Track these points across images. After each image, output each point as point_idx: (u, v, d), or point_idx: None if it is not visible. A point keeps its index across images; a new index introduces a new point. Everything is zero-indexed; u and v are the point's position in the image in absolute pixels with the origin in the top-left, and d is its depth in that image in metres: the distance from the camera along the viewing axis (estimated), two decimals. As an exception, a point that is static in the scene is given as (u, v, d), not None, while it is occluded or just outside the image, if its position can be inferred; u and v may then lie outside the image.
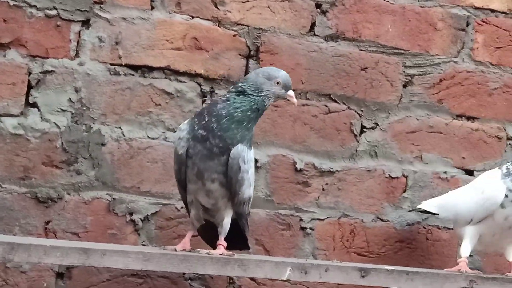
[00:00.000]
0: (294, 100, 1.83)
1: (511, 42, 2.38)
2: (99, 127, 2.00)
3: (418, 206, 2.17)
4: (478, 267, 2.28)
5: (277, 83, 1.81)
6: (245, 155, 1.76)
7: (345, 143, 2.21)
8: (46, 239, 1.69)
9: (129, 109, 2.03)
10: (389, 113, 2.26)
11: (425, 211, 2.15)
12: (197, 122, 1.77)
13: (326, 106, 2.20)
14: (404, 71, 2.28)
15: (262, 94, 1.79)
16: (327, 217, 2.18)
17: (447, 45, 2.32)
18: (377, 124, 2.25)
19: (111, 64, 2.02)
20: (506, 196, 1.94)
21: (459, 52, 2.33)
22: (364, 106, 2.24)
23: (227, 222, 1.79)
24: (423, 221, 2.26)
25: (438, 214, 2.11)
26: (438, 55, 2.31)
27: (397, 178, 2.25)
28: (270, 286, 2.09)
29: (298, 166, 2.16)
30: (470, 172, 2.33)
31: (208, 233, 1.88)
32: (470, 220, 2.00)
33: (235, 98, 1.78)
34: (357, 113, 2.23)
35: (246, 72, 2.13)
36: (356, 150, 2.22)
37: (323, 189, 2.18)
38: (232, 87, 1.84)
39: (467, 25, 2.34)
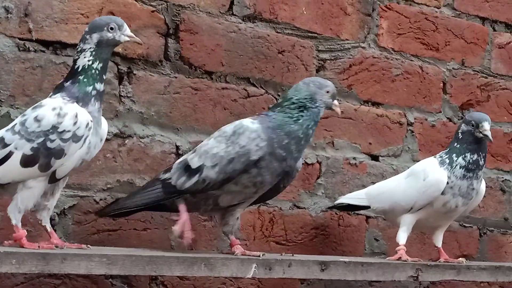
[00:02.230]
0: (339, 110, 1.74)
1: (411, 29, 2.34)
2: (7, 110, 1.71)
3: (339, 201, 2.06)
4: (384, 251, 2.25)
5: (327, 91, 1.71)
6: None
7: (264, 129, 2.06)
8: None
9: (40, 90, 1.75)
10: (304, 98, 2.14)
11: (348, 206, 2.05)
12: (276, 141, 1.62)
13: (246, 90, 2.04)
14: (317, 55, 2.17)
15: (317, 104, 1.68)
16: (248, 206, 2.02)
17: (356, 30, 2.24)
18: (293, 109, 2.12)
19: (20, 39, 1.73)
20: (447, 183, 1.89)
21: (366, 38, 2.26)
22: (281, 90, 2.10)
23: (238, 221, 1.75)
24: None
25: (368, 207, 2.01)
26: (348, 40, 2.22)
27: (312, 164, 2.14)
28: (193, 280, 1.90)
29: (220, 153, 1.97)
30: (375, 158, 2.28)
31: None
32: (411, 208, 1.93)
33: (302, 116, 1.65)
34: (275, 97, 2.09)
35: (166, 52, 1.92)
36: (274, 136, 2.08)
37: (243, 177, 2.01)
38: (284, 100, 1.69)
39: (373, 11, 2.27)
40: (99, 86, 1.50)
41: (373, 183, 2.17)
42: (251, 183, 1.63)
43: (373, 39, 2.27)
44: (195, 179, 1.63)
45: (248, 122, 1.65)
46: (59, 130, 1.44)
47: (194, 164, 1.64)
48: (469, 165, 1.92)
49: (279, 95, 2.09)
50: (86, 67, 1.50)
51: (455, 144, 1.95)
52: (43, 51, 1.76)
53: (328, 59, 2.19)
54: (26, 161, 1.43)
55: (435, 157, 1.97)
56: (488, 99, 2.47)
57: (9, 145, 1.44)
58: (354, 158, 2.22)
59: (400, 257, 1.84)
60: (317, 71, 2.17)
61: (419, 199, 1.91)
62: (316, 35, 2.16)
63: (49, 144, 1.43)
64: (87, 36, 1.51)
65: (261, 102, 2.06)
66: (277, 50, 2.09)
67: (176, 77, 1.93)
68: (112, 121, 1.83)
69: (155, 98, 1.90)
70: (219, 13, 2.00)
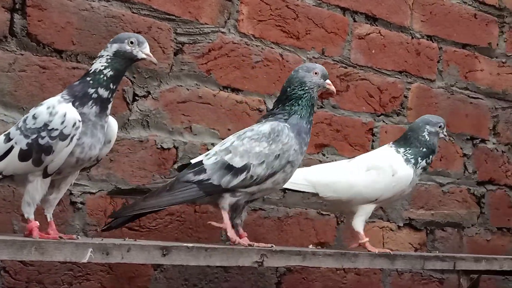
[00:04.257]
0: (333, 88, 1.84)
1: (272, 16, 2.30)
2: None
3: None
4: (242, 238, 2.19)
5: (315, 73, 1.81)
6: None
7: (117, 111, 1.96)
8: None
9: None
10: (161, 82, 2.06)
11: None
12: (302, 142, 1.77)
13: (98, 70, 1.93)
14: (175, 39, 2.09)
15: (307, 88, 1.78)
16: (99, 190, 1.93)
17: (215, 14, 2.17)
18: (149, 93, 2.04)
19: None
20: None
21: (226, 23, 2.20)
22: (137, 72, 2.01)
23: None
24: (191, 193, 2.09)
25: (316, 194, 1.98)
26: (207, 24, 2.15)
27: (168, 149, 2.06)
28: (38, 266, 1.79)
29: (69, 135, 1.86)
30: (234, 144, 2.21)
31: None
32: (375, 199, 1.96)
33: (299, 107, 1.76)
34: (130, 79, 1.99)
35: (11, 28, 1.80)
36: (129, 119, 1.99)
37: (94, 161, 1.91)
38: (282, 94, 1.80)
39: (234, -4, 2.21)
40: (102, 92, 1.52)
41: (231, 169, 2.10)
42: (283, 180, 1.76)
43: (233, 24, 2.21)
44: (242, 176, 1.71)
45: (280, 125, 1.75)
46: (49, 128, 1.48)
47: (238, 163, 1.71)
48: (427, 166, 2.02)
49: (134, 77, 2.01)
50: (97, 71, 1.54)
51: (422, 148, 2.00)
52: None
53: (186, 43, 2.11)
54: (23, 156, 1.49)
55: (398, 152, 2.00)
56: (347, 89, 2.46)
57: (11, 139, 1.50)
58: (212, 144, 2.15)
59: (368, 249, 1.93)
60: (175, 54, 2.09)
61: (386, 192, 1.96)
62: (174, 17, 2.08)
63: (40, 141, 1.48)
64: (109, 45, 1.57)
65: (115, 84, 1.96)
66: (132, 31, 1.99)
67: (22, 54, 1.81)
68: (-51, 99, 1.69)
69: (-2, 76, 1.77)
70: (71, -10, 1.89)
